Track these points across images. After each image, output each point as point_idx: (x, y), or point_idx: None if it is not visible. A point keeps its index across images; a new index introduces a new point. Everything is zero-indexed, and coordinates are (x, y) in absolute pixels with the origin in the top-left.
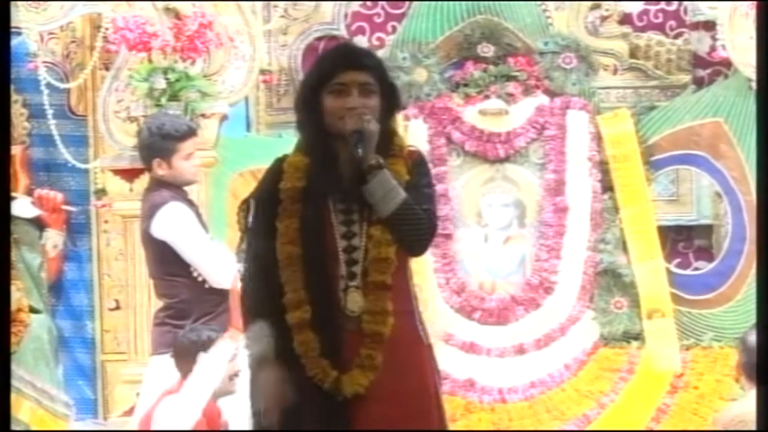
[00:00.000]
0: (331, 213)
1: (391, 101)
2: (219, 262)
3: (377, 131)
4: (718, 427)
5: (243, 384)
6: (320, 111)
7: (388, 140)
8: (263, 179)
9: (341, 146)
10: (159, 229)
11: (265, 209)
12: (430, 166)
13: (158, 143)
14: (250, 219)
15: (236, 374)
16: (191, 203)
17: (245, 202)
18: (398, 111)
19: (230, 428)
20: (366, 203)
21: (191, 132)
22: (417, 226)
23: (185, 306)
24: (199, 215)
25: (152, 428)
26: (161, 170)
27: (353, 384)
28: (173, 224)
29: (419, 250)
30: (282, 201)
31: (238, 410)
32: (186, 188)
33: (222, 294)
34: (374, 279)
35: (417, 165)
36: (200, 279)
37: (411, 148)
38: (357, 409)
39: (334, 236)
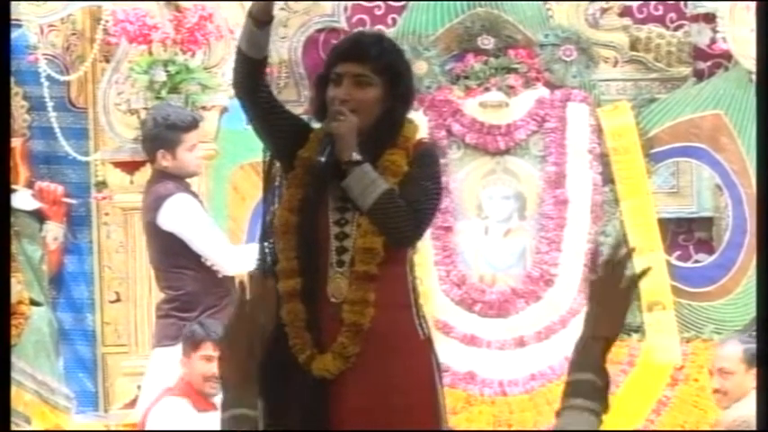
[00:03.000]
0: (329, 198)
1: (397, 89)
2: (231, 249)
3: (351, 129)
4: (721, 428)
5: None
6: (324, 102)
7: (393, 131)
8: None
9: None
10: (167, 221)
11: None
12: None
13: (163, 134)
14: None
15: (215, 377)
16: (194, 195)
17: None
18: (408, 99)
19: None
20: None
21: (195, 123)
22: (398, 219)
23: (191, 298)
24: (202, 206)
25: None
26: (165, 161)
27: (322, 368)
28: (181, 215)
29: (402, 243)
30: (296, 167)
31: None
32: (188, 180)
33: (227, 287)
34: (358, 269)
35: (421, 157)
36: (213, 268)
37: (422, 140)
38: (340, 398)
39: (328, 221)
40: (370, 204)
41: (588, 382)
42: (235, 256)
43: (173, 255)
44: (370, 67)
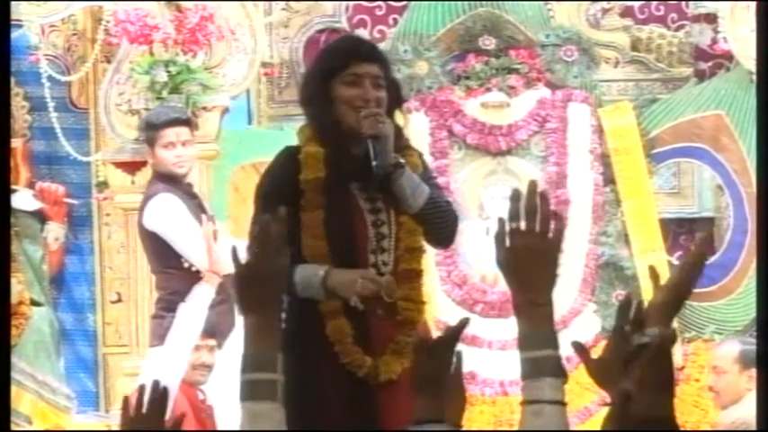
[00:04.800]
0: (358, 201)
1: (396, 95)
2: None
3: (392, 132)
4: (720, 429)
5: (214, 378)
6: (331, 101)
7: (400, 133)
8: (274, 171)
9: (355, 136)
10: (149, 221)
11: (282, 200)
12: (430, 159)
13: (143, 131)
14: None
15: (203, 366)
16: (191, 196)
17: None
18: (401, 104)
19: (216, 414)
20: (389, 192)
21: (172, 121)
22: (445, 219)
23: (176, 298)
24: (202, 207)
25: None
26: (149, 158)
27: (388, 371)
28: (162, 216)
29: (447, 242)
30: (305, 192)
31: (225, 398)
32: (189, 180)
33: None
34: (410, 267)
35: (421, 157)
36: (192, 270)
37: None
38: (386, 397)
39: (366, 224)
40: (421, 205)
41: (551, 358)
42: (214, 258)
43: (159, 254)
44: (384, 70)
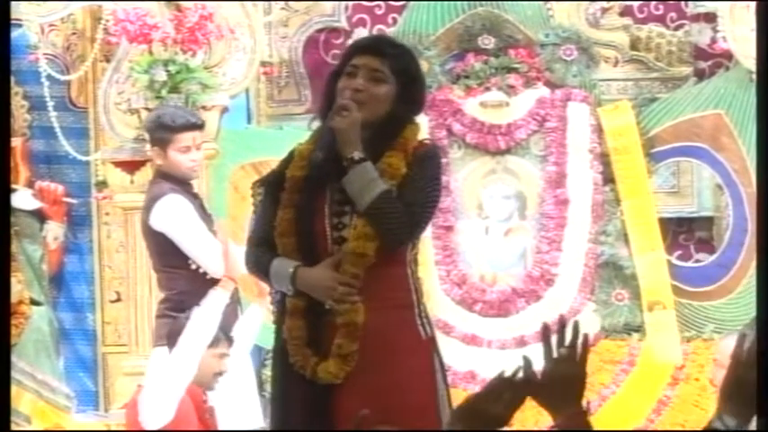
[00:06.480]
0: (326, 203)
1: (409, 93)
2: (217, 253)
3: (353, 125)
4: None
5: (225, 383)
6: (334, 95)
7: (394, 132)
8: (276, 166)
9: None
10: (157, 221)
11: (273, 193)
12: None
13: (155, 132)
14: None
15: (220, 373)
16: (194, 197)
17: (258, 183)
18: (417, 104)
19: (217, 414)
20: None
21: (189, 126)
22: (392, 221)
23: (183, 298)
24: (203, 208)
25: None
26: (158, 159)
27: (326, 373)
28: (170, 216)
29: (394, 245)
30: (285, 189)
31: (226, 400)
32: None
33: None
34: (347, 270)
35: (420, 159)
36: (200, 271)
37: (423, 141)
38: (342, 400)
39: (325, 226)
40: (368, 203)
41: None
42: (222, 260)
43: (165, 255)
44: (388, 64)
